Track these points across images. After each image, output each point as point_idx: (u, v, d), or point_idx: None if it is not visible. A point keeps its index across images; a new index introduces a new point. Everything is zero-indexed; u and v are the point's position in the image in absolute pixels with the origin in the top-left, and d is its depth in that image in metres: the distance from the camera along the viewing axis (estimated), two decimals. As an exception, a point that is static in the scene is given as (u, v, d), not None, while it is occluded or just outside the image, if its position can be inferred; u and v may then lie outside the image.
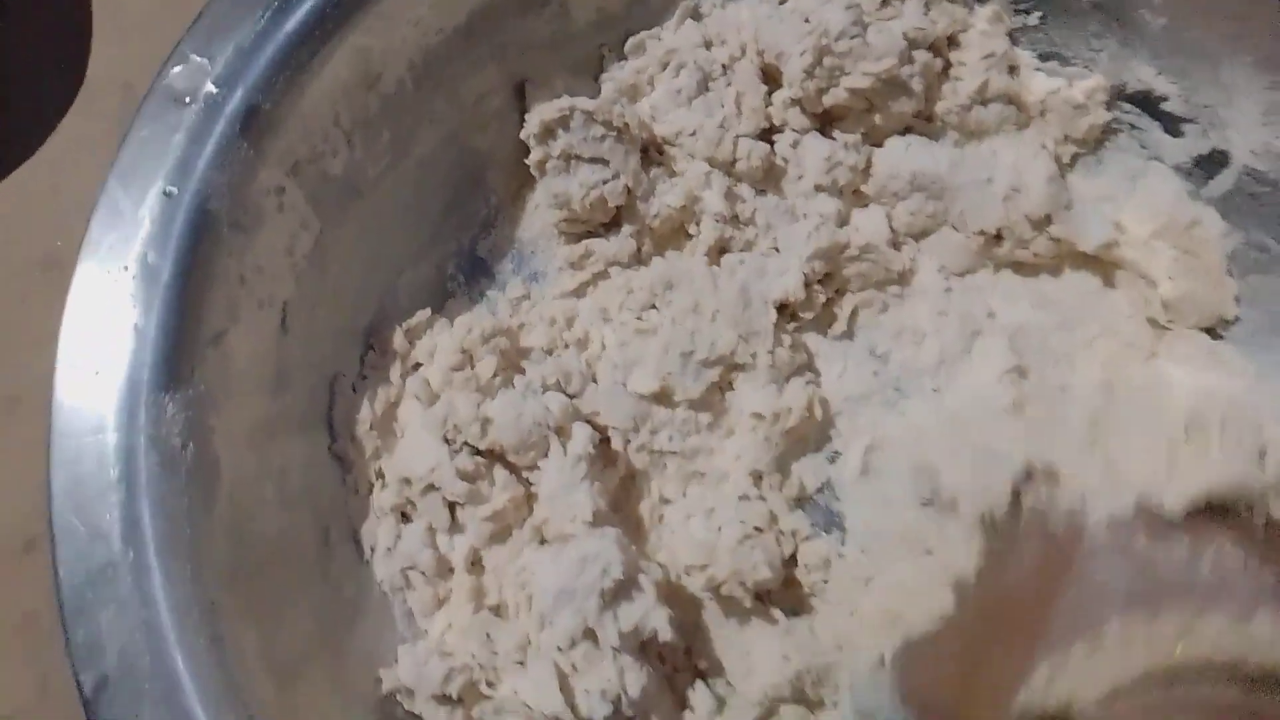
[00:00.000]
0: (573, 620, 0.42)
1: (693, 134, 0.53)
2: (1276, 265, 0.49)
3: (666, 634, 0.43)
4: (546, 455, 0.47)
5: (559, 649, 0.42)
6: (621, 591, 0.43)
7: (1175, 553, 0.36)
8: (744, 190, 0.53)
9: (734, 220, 0.52)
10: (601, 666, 0.41)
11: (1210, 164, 0.51)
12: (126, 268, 0.41)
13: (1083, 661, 0.34)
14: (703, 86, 0.53)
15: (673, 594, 0.46)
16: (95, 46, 0.64)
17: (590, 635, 0.42)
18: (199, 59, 0.43)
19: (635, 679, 0.41)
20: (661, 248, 0.55)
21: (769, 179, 0.54)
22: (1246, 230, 0.50)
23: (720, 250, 0.53)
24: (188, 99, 0.43)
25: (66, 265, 0.58)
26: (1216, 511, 0.37)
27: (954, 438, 0.44)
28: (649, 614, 0.43)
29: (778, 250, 0.52)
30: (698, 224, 0.53)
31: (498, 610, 0.46)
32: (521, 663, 0.43)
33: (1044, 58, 0.54)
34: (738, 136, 0.53)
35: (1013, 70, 0.53)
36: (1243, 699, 0.33)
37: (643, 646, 0.43)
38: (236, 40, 0.44)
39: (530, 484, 0.48)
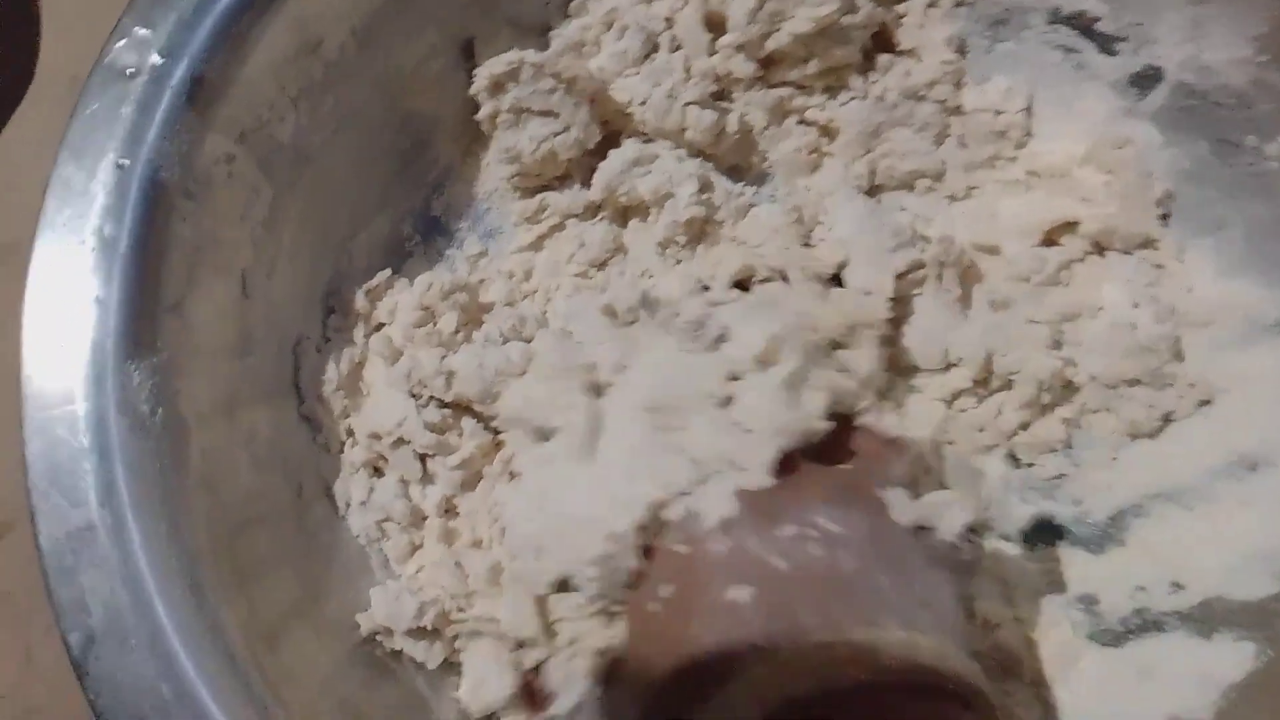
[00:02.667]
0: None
1: (643, 103, 0.53)
2: (1209, 173, 0.50)
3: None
4: (510, 402, 0.49)
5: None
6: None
7: (785, 535, 0.37)
8: (716, 179, 0.54)
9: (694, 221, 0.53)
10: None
11: (1144, 81, 0.52)
12: (84, 241, 0.42)
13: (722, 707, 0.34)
14: (648, 46, 0.54)
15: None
16: (44, 40, 0.64)
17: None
18: (142, 31, 0.44)
19: None
20: (622, 217, 0.56)
21: (734, 150, 0.55)
22: (1181, 144, 0.51)
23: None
24: (132, 71, 0.43)
25: (25, 254, 0.59)
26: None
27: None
28: None
29: (731, 241, 0.54)
30: (660, 209, 0.54)
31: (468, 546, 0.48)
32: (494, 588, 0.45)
33: (977, -19, 0.55)
34: (686, 104, 0.53)
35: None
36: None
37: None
38: (178, 11, 0.44)
39: (497, 431, 0.49)
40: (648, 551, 0.39)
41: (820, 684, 0.33)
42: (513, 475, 0.48)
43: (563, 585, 0.40)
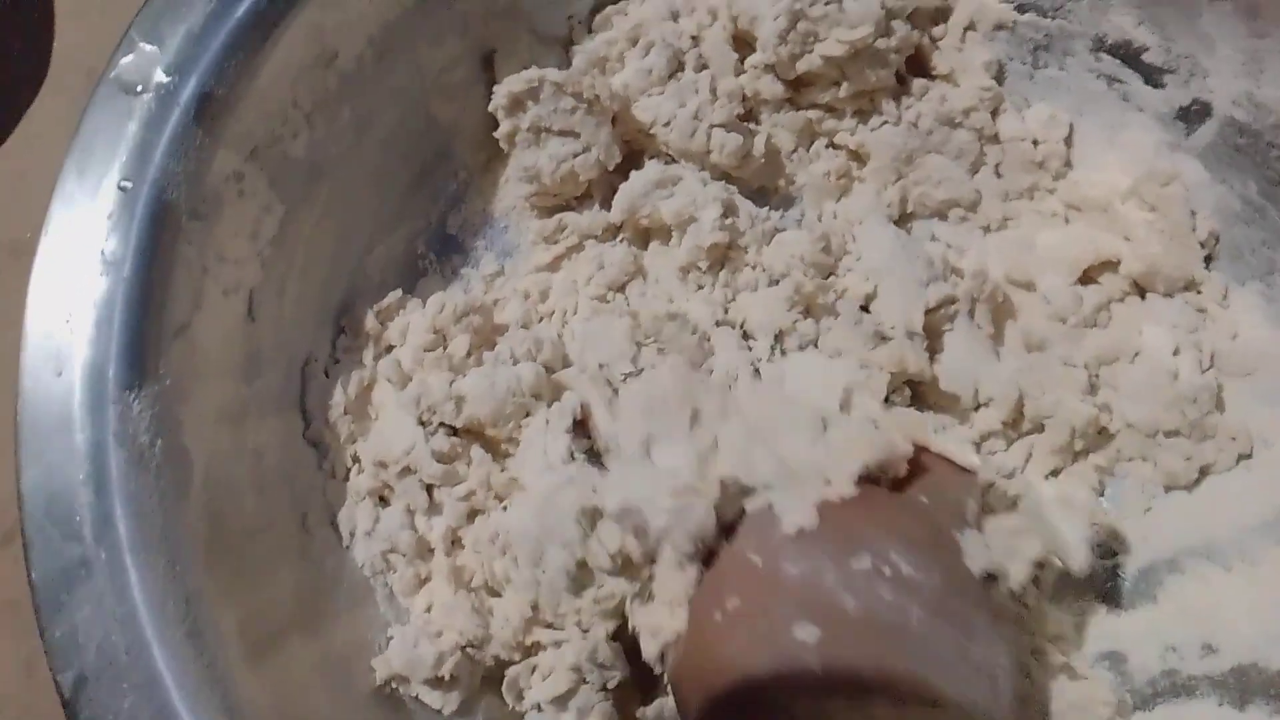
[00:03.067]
0: (561, 554, 0.43)
1: (667, 124, 0.52)
2: (1259, 215, 0.48)
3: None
4: (523, 424, 0.47)
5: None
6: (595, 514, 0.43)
7: (860, 567, 0.37)
8: (740, 203, 0.52)
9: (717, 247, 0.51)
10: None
11: (1192, 115, 0.50)
12: (87, 263, 0.40)
13: None
14: (673, 64, 0.52)
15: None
16: (59, 32, 0.63)
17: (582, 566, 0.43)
18: (148, 47, 0.42)
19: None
20: (642, 240, 0.54)
21: (760, 173, 0.54)
22: (1229, 183, 0.49)
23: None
24: (139, 88, 0.42)
25: (34, 251, 0.58)
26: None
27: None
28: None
29: (753, 268, 0.52)
30: (683, 233, 0.52)
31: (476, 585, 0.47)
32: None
33: (1021, 9, 0.53)
34: (711, 126, 0.52)
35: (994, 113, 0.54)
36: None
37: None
38: (187, 25, 0.43)
39: (507, 455, 0.48)
40: (726, 532, 0.40)
41: None
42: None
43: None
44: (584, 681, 0.45)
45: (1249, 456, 0.48)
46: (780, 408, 0.44)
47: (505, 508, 0.47)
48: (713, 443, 0.42)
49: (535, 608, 0.45)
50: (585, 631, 0.45)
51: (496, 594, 0.47)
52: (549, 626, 0.45)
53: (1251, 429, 0.47)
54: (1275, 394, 0.47)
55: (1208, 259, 0.50)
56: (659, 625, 0.41)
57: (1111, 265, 0.50)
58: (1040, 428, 0.49)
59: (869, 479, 0.40)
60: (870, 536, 0.38)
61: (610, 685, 0.45)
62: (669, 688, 0.43)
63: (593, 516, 0.43)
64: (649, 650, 0.41)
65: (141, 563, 0.38)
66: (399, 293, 0.51)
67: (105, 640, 0.37)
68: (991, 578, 0.40)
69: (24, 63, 0.63)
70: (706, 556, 0.40)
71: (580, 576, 0.43)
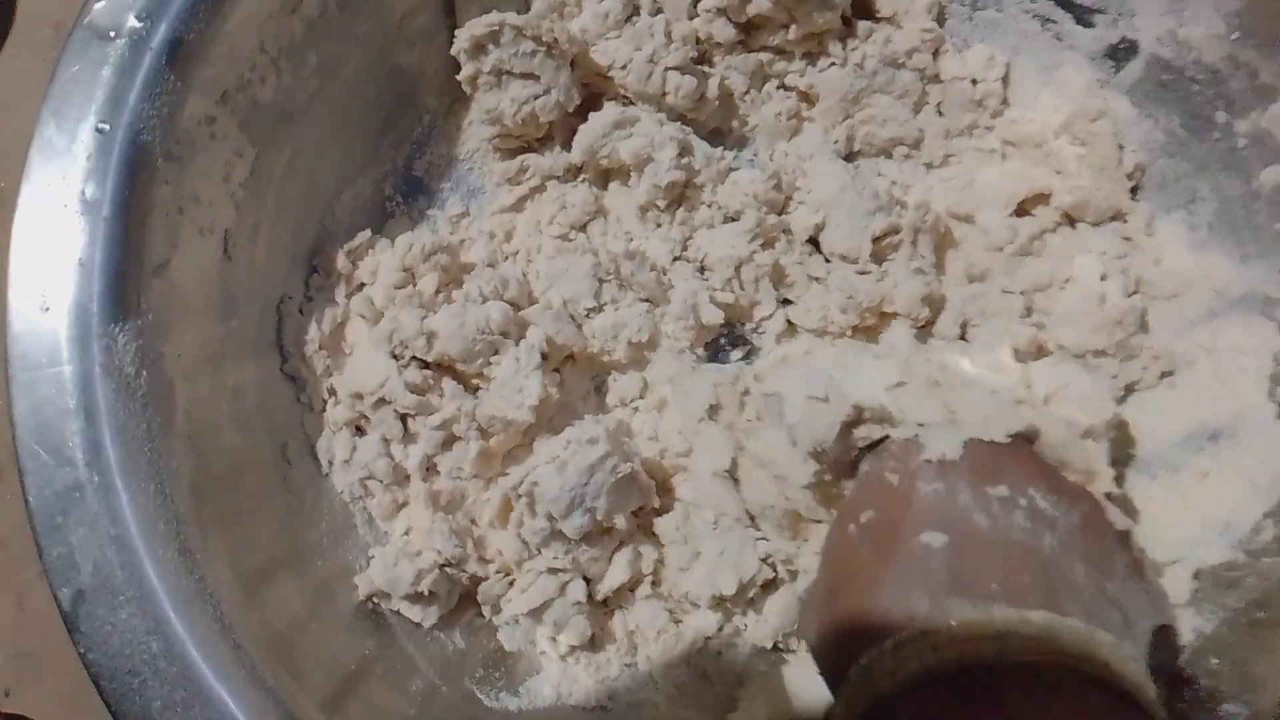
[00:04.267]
0: (582, 519, 0.46)
1: (624, 67, 0.54)
2: (1181, 148, 0.51)
3: (655, 502, 0.50)
4: (493, 360, 0.50)
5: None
6: (626, 484, 0.48)
7: (997, 494, 0.38)
8: (696, 144, 0.54)
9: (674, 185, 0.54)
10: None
11: (1120, 53, 0.53)
12: (66, 204, 0.42)
13: (889, 656, 0.34)
14: (629, 8, 0.54)
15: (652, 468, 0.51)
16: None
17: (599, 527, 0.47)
18: (120, -8, 0.44)
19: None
20: (602, 180, 0.56)
21: (714, 114, 0.56)
22: (1155, 117, 0.52)
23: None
24: (112, 33, 0.43)
25: (8, 203, 0.59)
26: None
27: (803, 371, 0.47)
28: (646, 491, 0.50)
29: (709, 206, 0.55)
30: (641, 173, 0.54)
31: (450, 508, 0.50)
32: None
33: (960, -47, 0.55)
34: (667, 69, 0.54)
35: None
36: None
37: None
38: (156, -29, 0.44)
39: (478, 389, 0.50)
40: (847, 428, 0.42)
41: (968, 658, 0.33)
42: (486, 434, 0.50)
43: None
44: (560, 594, 0.48)
45: (1172, 374, 0.51)
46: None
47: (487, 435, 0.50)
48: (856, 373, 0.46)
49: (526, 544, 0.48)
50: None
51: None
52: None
53: (1174, 349, 0.51)
54: (1196, 316, 0.51)
55: (1134, 190, 0.53)
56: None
57: (1044, 198, 0.53)
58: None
59: (1022, 437, 0.41)
60: (1012, 474, 0.39)
61: (583, 599, 0.48)
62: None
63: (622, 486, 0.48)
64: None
65: (132, 486, 0.40)
66: (368, 233, 0.53)
67: (100, 558, 0.39)
68: (1127, 534, 0.40)
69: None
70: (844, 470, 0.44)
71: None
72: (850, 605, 0.38)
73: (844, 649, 0.36)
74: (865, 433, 0.44)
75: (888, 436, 0.43)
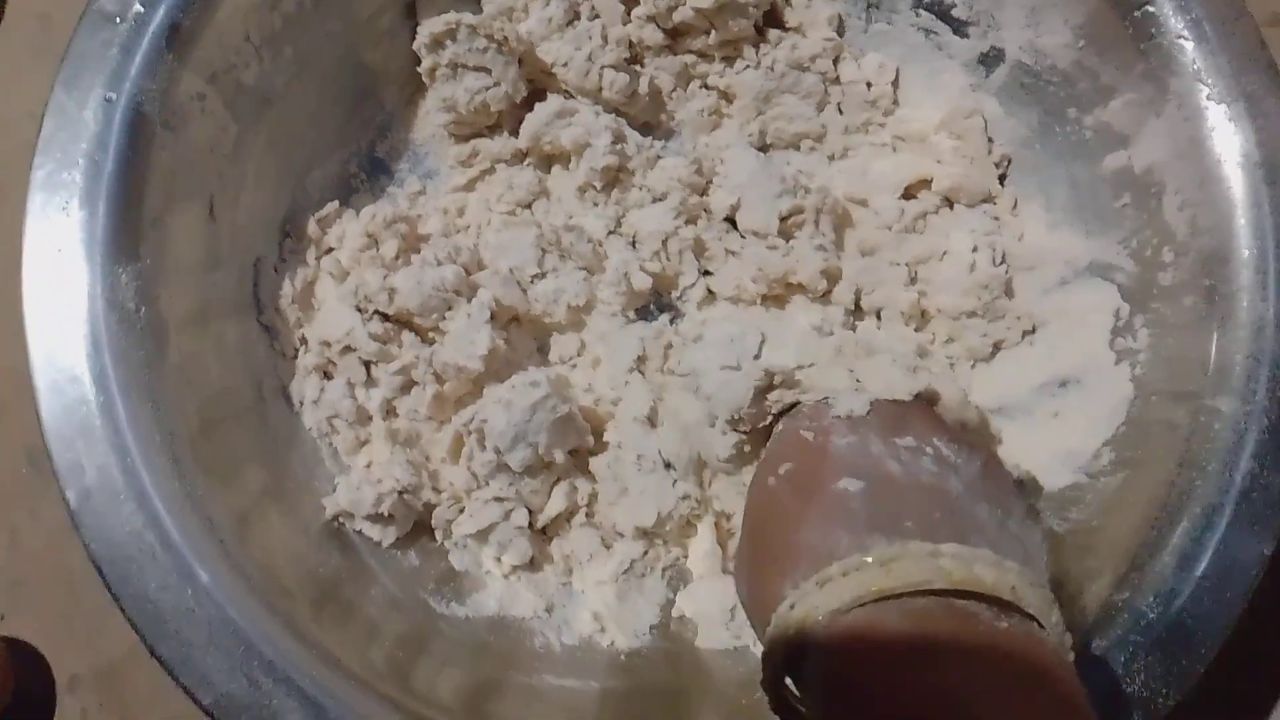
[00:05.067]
0: (525, 453, 0.53)
1: (565, 65, 0.61)
2: (1040, 140, 0.60)
3: (590, 443, 0.57)
4: (447, 315, 0.56)
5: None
6: (564, 424, 0.54)
7: (905, 444, 0.41)
8: (629, 133, 0.62)
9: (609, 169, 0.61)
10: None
11: (990, 60, 0.62)
12: (76, 163, 0.48)
13: (815, 593, 0.36)
14: (570, 14, 0.62)
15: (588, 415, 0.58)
16: (13, -22, 0.69)
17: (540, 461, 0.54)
18: (125, -19, 0.50)
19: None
20: (546, 164, 0.64)
21: (645, 109, 0.63)
22: (1018, 115, 0.61)
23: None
24: (118, 18, 0.50)
25: (1, 184, 0.65)
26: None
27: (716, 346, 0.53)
28: (582, 432, 0.56)
29: (640, 189, 0.62)
30: (580, 158, 0.61)
31: (408, 444, 0.56)
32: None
33: (852, -29, 0.64)
34: (603, 67, 0.61)
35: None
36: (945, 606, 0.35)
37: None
38: (158, -35, 0.51)
39: (434, 341, 0.57)
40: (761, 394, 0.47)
41: (894, 589, 0.35)
42: (440, 378, 0.57)
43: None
44: (505, 519, 0.55)
45: (1032, 333, 0.59)
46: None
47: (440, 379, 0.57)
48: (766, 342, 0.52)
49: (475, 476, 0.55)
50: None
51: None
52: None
53: (1034, 311, 0.59)
54: (1052, 284, 0.59)
55: (1002, 178, 0.62)
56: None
57: (927, 184, 0.62)
58: (877, 315, 0.60)
59: (922, 398, 0.46)
60: (916, 427, 0.42)
61: (524, 525, 0.55)
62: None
63: (561, 426, 0.54)
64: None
65: (131, 403, 0.46)
66: (336, 204, 0.59)
67: (104, 463, 0.45)
68: (1021, 483, 0.46)
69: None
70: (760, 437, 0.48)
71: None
72: (772, 545, 0.40)
73: (769, 587, 0.39)
74: (778, 396, 0.49)
75: (799, 402, 0.48)
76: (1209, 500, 0.47)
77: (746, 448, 0.52)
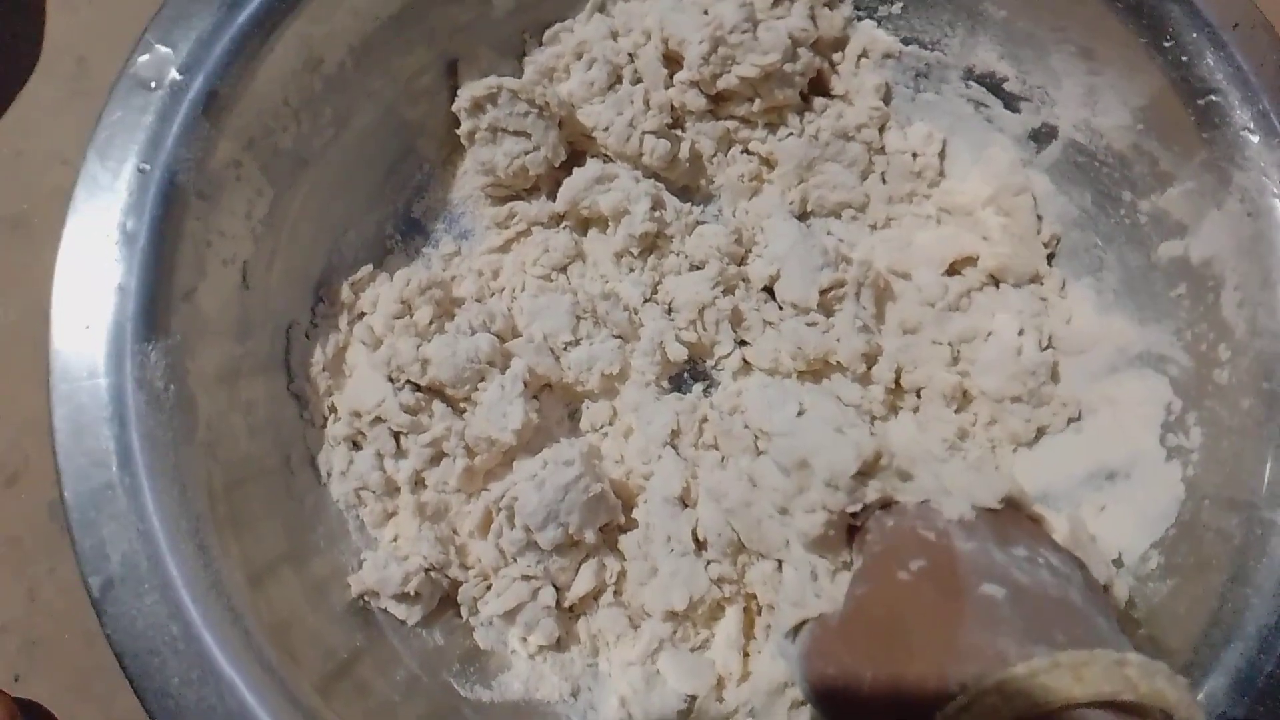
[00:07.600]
0: (555, 532, 0.52)
1: (606, 129, 0.60)
2: (1092, 222, 0.58)
3: (621, 519, 0.56)
4: (480, 386, 0.55)
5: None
6: (596, 502, 0.53)
7: (1020, 554, 0.41)
8: (668, 199, 0.61)
9: (647, 235, 0.60)
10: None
11: (1042, 136, 0.60)
12: (108, 235, 0.47)
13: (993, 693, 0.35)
14: (612, 77, 0.61)
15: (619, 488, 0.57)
16: (49, 22, 0.69)
17: (570, 539, 0.53)
18: (163, 48, 0.49)
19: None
20: (583, 228, 0.63)
21: (685, 174, 0.62)
22: (1069, 194, 0.59)
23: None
24: (154, 84, 0.49)
25: (32, 224, 0.64)
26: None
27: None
28: (613, 509, 0.55)
29: (678, 255, 0.61)
30: (618, 223, 0.60)
31: (436, 518, 0.55)
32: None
33: (905, 41, 0.62)
34: (644, 133, 0.60)
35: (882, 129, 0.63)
36: None
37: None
38: (197, 31, 0.50)
39: (465, 411, 0.56)
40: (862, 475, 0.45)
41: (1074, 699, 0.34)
42: (472, 453, 0.55)
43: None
44: (533, 598, 0.54)
45: (1078, 420, 0.58)
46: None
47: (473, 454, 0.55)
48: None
49: (503, 553, 0.54)
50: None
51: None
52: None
53: (1080, 398, 0.58)
54: (1100, 369, 0.57)
55: (1050, 257, 0.60)
56: (803, 598, 0.45)
57: (972, 260, 0.60)
58: (917, 394, 0.59)
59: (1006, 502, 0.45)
60: (1019, 537, 0.42)
61: (552, 604, 0.54)
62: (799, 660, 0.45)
63: (593, 505, 0.53)
64: (787, 620, 0.45)
65: (158, 487, 0.45)
66: (369, 267, 0.58)
67: (129, 550, 0.44)
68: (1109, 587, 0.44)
69: (17, 50, 0.68)
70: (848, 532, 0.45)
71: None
72: (923, 639, 0.39)
73: (913, 680, 0.37)
74: (880, 484, 0.46)
75: (894, 501, 0.45)
76: (1263, 621, 0.45)
77: (832, 531, 0.47)
